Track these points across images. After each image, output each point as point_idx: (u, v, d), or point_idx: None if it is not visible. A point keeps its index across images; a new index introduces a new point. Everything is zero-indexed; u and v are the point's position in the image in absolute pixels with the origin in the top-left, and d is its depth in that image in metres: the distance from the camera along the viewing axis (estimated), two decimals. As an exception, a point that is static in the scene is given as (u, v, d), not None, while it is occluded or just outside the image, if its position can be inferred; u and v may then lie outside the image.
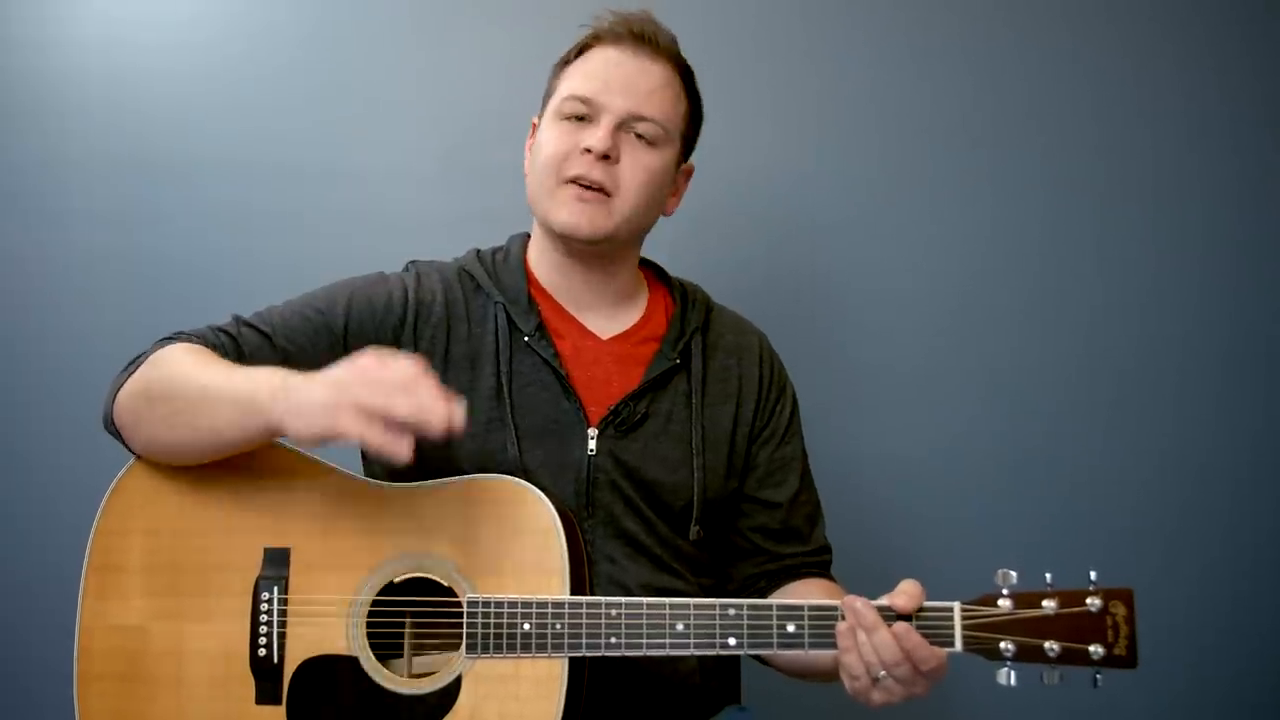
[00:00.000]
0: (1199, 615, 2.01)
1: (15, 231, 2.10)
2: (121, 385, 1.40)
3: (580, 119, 1.50)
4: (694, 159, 1.63)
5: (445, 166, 2.09)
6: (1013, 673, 1.25)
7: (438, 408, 1.18)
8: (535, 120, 1.59)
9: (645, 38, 1.52)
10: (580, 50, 1.55)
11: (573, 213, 1.48)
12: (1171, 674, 1.95)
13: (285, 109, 2.10)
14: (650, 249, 1.64)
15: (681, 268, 1.69)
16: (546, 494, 1.34)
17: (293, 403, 1.23)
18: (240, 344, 1.44)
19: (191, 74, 2.10)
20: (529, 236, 1.61)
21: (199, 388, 1.33)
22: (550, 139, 1.51)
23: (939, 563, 1.98)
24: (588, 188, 1.48)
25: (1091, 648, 1.23)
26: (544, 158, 1.51)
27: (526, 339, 1.49)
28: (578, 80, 1.52)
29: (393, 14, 2.11)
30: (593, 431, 1.47)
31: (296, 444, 1.33)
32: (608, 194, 1.49)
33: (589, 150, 1.47)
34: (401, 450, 1.18)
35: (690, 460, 1.51)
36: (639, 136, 1.50)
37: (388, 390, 1.18)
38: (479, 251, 1.60)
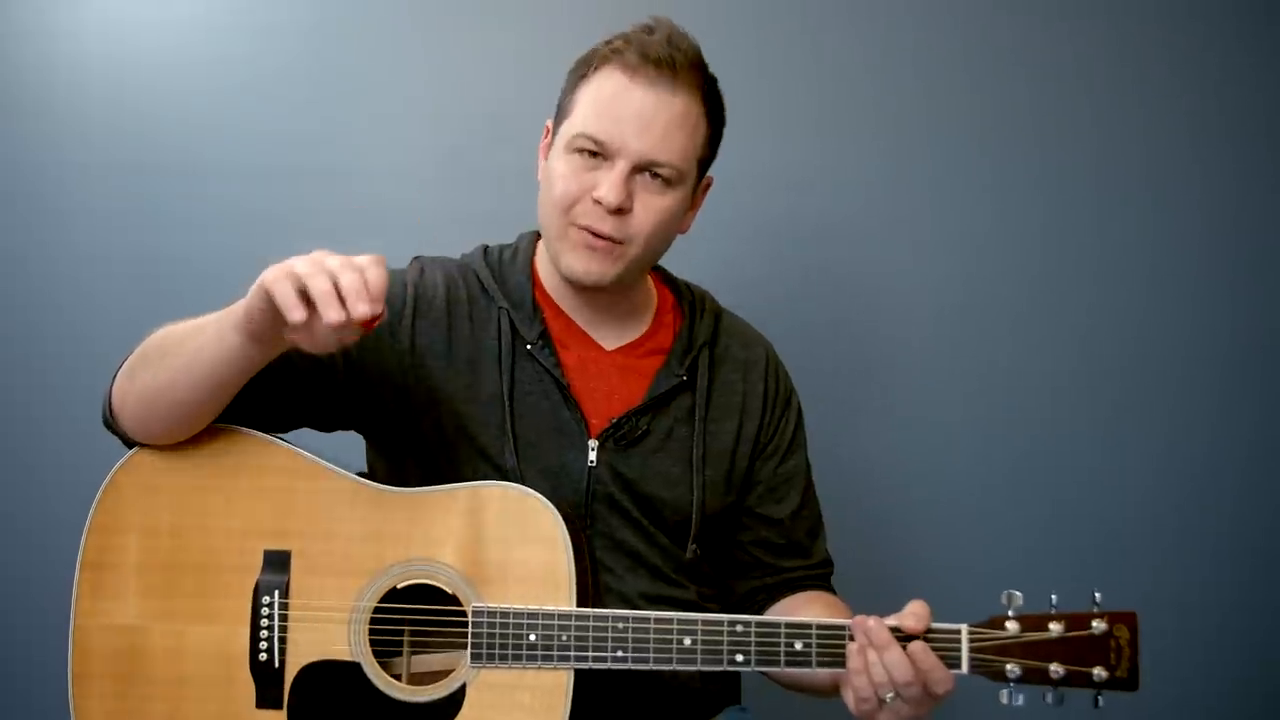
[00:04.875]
0: (1197, 618, 2.03)
1: (15, 231, 2.09)
2: (117, 372, 1.39)
3: (593, 154, 1.41)
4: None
5: (448, 167, 2.08)
6: (1016, 694, 1.25)
7: (347, 303, 1.13)
8: (549, 124, 1.51)
9: (663, 63, 1.39)
10: (596, 64, 1.43)
11: (580, 259, 1.43)
12: (1165, 691, 1.95)
13: (287, 109, 2.09)
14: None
15: (683, 268, 1.67)
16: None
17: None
18: None
19: (193, 74, 2.09)
20: (539, 235, 1.55)
21: (182, 330, 1.34)
22: (561, 173, 1.43)
23: (939, 570, 1.99)
24: (598, 235, 1.42)
25: (1095, 670, 1.24)
26: (555, 195, 1.43)
27: (529, 346, 1.47)
28: (589, 113, 1.41)
29: (395, 13, 2.11)
30: (593, 443, 1.46)
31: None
32: (619, 242, 1.43)
33: (600, 202, 1.41)
34: (294, 313, 1.14)
35: (690, 477, 1.49)
36: (654, 176, 1.42)
37: (319, 263, 1.15)
38: (486, 249, 1.57)
